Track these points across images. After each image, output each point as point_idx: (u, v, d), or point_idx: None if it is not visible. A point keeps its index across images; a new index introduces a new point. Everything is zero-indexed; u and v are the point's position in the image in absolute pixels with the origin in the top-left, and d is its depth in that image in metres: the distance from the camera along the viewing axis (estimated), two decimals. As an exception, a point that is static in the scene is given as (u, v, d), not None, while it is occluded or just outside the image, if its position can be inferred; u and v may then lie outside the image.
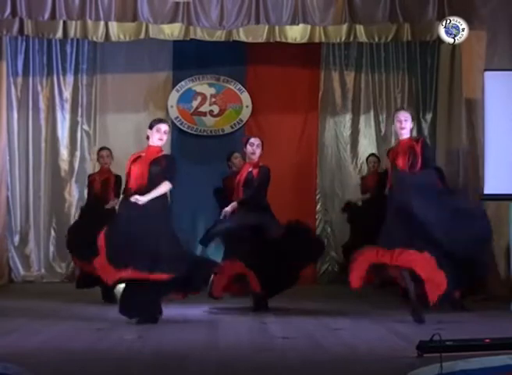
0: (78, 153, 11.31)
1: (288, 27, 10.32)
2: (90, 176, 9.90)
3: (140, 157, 7.61)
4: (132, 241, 7.30)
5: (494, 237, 8.63)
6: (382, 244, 7.58)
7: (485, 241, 7.85)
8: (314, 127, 11.64)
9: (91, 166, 11.34)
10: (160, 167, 7.52)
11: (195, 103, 11.53)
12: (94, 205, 9.45)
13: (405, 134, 7.80)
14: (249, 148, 8.69)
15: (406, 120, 7.78)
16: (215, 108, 11.58)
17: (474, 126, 9.53)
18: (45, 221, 11.37)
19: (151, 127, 7.65)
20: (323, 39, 10.71)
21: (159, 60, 11.53)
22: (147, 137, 7.65)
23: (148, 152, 7.61)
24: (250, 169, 8.63)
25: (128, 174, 7.61)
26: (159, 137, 7.62)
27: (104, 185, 9.48)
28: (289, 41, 10.63)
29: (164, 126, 7.66)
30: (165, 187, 7.49)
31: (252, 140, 8.77)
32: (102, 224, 8.01)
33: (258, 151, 8.69)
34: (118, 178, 9.57)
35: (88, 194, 9.73)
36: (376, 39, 10.70)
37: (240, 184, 8.66)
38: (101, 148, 9.91)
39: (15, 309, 8.41)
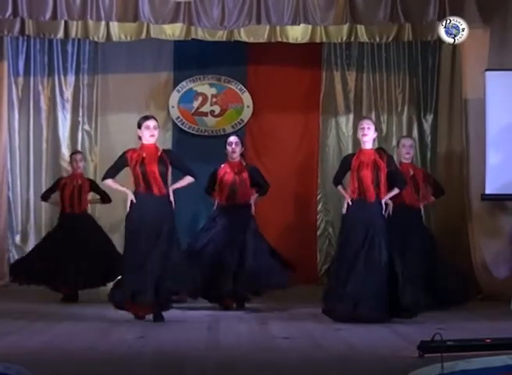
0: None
1: (289, 27, 10.31)
2: (60, 180, 9.82)
3: (144, 158, 7.65)
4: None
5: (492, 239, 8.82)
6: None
7: None
8: (316, 127, 11.63)
9: (92, 167, 11.34)
10: (165, 165, 7.68)
11: (196, 103, 11.53)
12: (68, 215, 9.47)
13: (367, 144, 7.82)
14: (228, 148, 8.75)
15: (369, 128, 7.78)
16: (216, 109, 11.57)
17: (475, 126, 9.53)
18: (46, 221, 11.35)
19: (139, 126, 7.75)
20: (324, 39, 10.70)
21: (160, 60, 11.52)
22: (139, 138, 7.77)
23: (148, 152, 7.67)
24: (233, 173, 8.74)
25: (137, 176, 7.64)
26: (150, 134, 7.72)
27: (77, 191, 9.47)
28: (291, 41, 10.61)
29: (152, 123, 7.75)
30: (189, 179, 7.88)
31: (231, 139, 8.85)
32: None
33: (238, 149, 8.78)
34: (93, 182, 9.64)
35: (62, 201, 9.60)
36: (377, 39, 10.68)
37: (226, 186, 8.72)
38: (74, 152, 9.95)
39: (16, 310, 8.41)
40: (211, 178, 8.92)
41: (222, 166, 8.88)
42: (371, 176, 7.69)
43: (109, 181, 7.87)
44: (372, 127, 7.81)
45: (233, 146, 8.80)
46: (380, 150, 7.94)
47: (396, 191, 7.89)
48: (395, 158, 8.39)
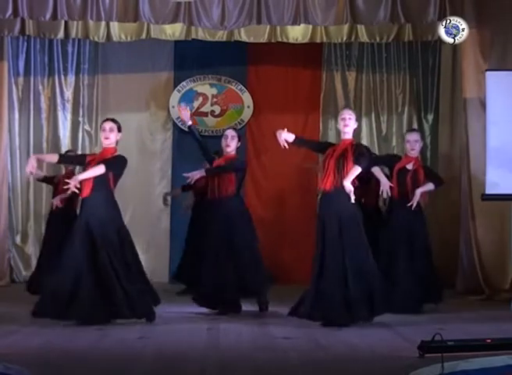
0: (79, 153, 11.27)
1: (289, 27, 10.31)
2: (53, 177, 9.80)
3: (93, 160, 7.53)
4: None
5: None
6: None
7: None
8: (316, 128, 11.62)
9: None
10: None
11: (196, 103, 11.53)
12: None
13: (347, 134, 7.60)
14: (223, 141, 8.52)
15: (350, 118, 7.57)
16: (217, 109, 11.57)
17: (475, 126, 9.53)
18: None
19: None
20: (324, 39, 10.70)
21: (161, 60, 11.53)
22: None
23: (100, 156, 7.57)
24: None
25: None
26: (104, 136, 7.57)
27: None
28: (291, 41, 10.62)
29: (107, 124, 7.61)
30: (98, 170, 7.33)
31: (226, 132, 8.59)
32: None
33: (233, 144, 8.46)
34: None
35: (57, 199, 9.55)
36: (377, 39, 10.68)
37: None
38: (69, 151, 9.93)
39: (16, 310, 8.40)
40: None
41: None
42: (334, 164, 7.40)
43: (53, 155, 8.01)
44: (353, 118, 7.59)
45: (228, 140, 8.55)
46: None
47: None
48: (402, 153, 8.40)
